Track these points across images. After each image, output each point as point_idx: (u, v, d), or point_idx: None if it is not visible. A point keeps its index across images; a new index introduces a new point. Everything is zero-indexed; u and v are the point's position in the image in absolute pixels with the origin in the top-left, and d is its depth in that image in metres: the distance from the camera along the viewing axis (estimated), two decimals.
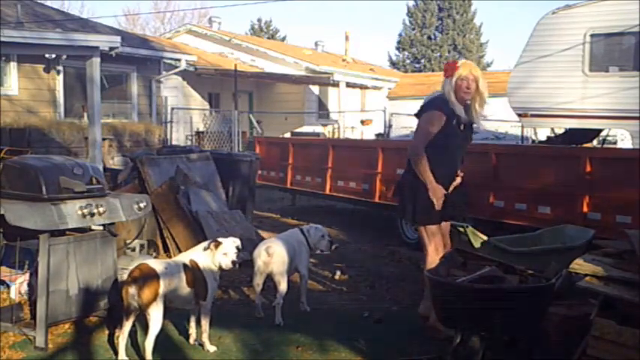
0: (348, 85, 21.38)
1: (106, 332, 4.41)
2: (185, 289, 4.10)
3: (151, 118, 15.62)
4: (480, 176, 7.44)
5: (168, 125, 16.19)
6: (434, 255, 4.57)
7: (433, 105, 4.52)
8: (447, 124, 4.45)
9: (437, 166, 4.46)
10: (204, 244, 4.33)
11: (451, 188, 4.53)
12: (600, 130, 12.11)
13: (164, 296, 3.93)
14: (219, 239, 4.34)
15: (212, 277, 4.24)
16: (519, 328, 3.64)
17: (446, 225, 4.70)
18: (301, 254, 5.13)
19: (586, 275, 3.58)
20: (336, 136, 19.95)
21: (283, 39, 38.64)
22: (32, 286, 4.56)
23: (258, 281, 4.95)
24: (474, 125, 4.61)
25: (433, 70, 35.67)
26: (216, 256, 4.21)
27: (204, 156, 8.15)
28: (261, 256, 4.88)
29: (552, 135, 13.04)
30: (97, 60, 8.81)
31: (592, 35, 10.20)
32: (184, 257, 4.31)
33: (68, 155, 8.78)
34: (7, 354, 4.06)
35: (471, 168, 7.65)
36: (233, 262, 4.20)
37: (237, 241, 4.33)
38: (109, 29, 15.72)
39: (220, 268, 4.23)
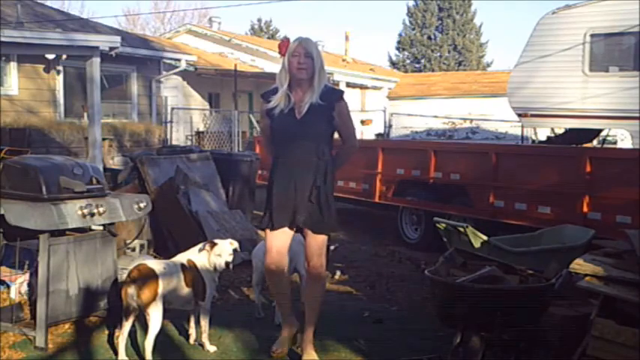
0: (348, 85, 21.37)
1: (106, 332, 4.41)
2: (184, 290, 4.10)
3: (151, 118, 15.62)
4: (480, 176, 7.47)
5: (168, 125, 16.17)
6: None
7: (263, 95, 4.12)
8: (271, 112, 3.94)
9: (274, 162, 3.95)
10: (201, 245, 4.32)
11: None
12: (600, 130, 12.10)
13: (163, 296, 3.93)
14: (216, 240, 4.33)
15: (210, 278, 4.23)
16: (519, 328, 3.63)
17: (314, 241, 4.00)
18: (300, 255, 5.12)
19: (586, 275, 3.57)
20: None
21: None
22: (32, 286, 4.55)
23: (258, 281, 4.95)
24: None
25: (433, 70, 35.70)
26: (211, 256, 4.21)
27: (204, 156, 8.14)
28: (260, 256, 4.88)
29: (552, 135, 13.03)
30: (97, 60, 8.81)
31: (592, 35, 10.19)
32: (182, 257, 4.31)
33: (68, 155, 8.78)
34: (7, 354, 4.06)
35: (471, 168, 7.77)
36: (226, 263, 4.18)
37: (234, 243, 4.31)
38: (109, 29, 15.71)
39: (215, 268, 4.23)
